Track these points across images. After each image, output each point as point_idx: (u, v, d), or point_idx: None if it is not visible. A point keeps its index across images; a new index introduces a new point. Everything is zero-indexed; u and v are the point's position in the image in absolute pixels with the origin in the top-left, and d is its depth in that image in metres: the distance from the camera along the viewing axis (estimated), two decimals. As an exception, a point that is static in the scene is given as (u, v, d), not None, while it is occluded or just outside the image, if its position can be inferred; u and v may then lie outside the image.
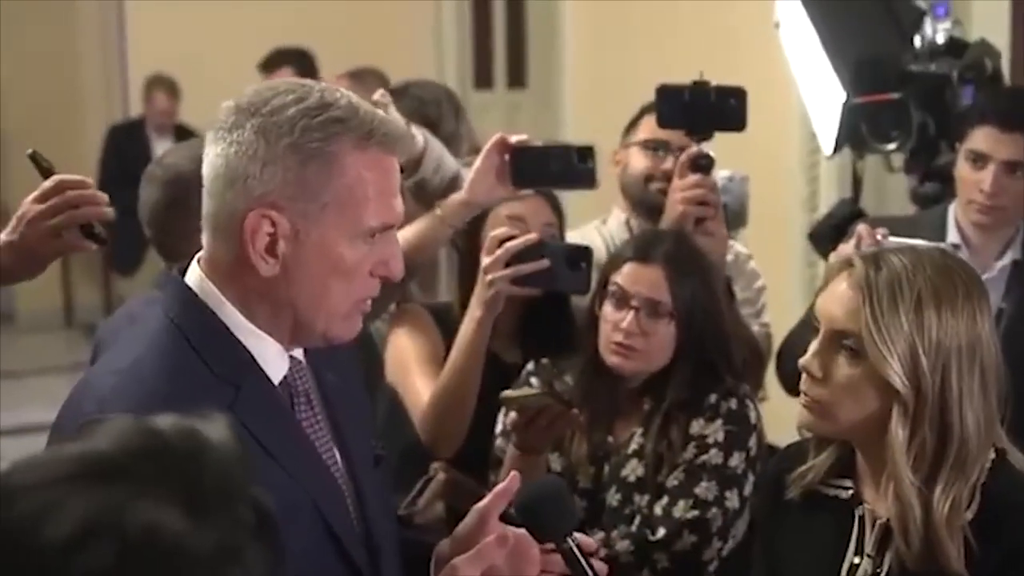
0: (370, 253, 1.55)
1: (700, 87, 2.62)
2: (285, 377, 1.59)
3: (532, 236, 2.41)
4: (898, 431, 1.68)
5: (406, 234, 2.59)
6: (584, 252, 2.42)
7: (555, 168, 2.44)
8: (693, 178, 2.63)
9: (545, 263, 2.38)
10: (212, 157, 1.53)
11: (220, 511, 0.85)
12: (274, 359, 1.57)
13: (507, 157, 2.45)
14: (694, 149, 2.65)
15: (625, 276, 2.38)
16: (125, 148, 7.25)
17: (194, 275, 1.57)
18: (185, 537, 0.83)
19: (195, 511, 0.84)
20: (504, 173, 2.45)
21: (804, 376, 1.77)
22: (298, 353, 1.61)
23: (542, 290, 2.50)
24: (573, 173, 2.44)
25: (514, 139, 2.46)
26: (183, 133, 7.07)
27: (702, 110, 2.61)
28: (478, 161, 2.47)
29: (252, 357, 1.55)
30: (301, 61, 6.24)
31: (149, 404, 1.41)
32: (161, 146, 7.18)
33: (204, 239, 1.57)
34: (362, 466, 1.67)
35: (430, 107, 3.29)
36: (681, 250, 2.42)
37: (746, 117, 2.61)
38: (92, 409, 1.45)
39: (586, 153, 2.44)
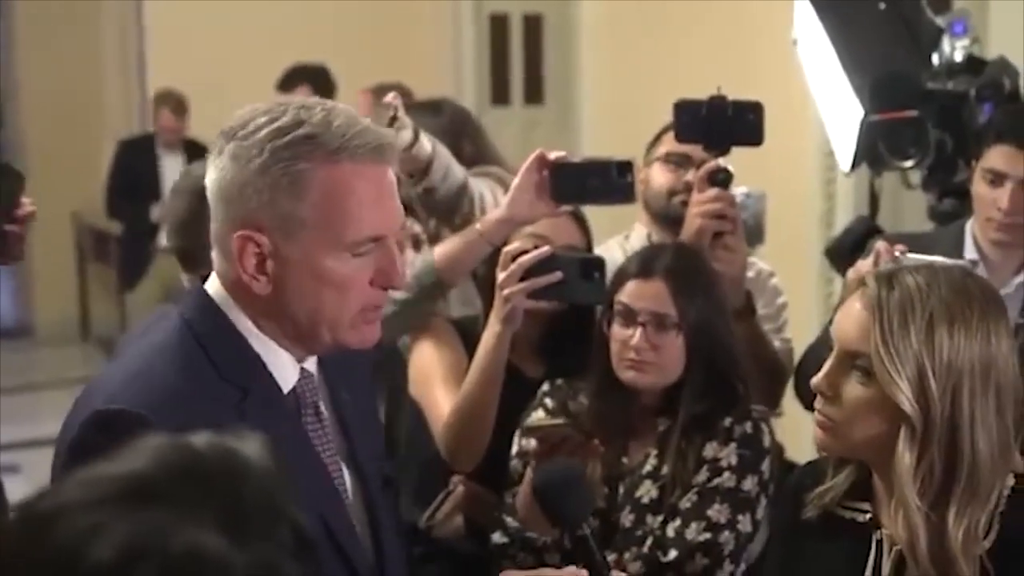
0: (364, 265, 1.56)
1: (717, 101, 2.63)
2: (294, 387, 1.61)
3: (544, 249, 2.41)
4: (904, 454, 1.66)
5: (444, 249, 2.61)
6: (596, 262, 2.42)
7: (594, 184, 2.45)
8: (711, 192, 2.63)
9: (558, 275, 2.38)
10: (209, 183, 1.58)
11: (260, 533, 0.86)
12: (285, 368, 1.60)
13: (546, 173, 2.46)
14: (712, 163, 2.65)
15: (629, 294, 2.39)
16: (133, 163, 7.27)
17: (214, 285, 1.61)
18: (226, 559, 0.83)
19: (235, 533, 0.84)
20: (544, 189, 2.46)
21: (818, 395, 1.76)
22: (310, 365, 1.63)
23: (558, 302, 2.50)
24: (612, 188, 2.44)
25: (553, 155, 2.47)
26: (192, 148, 7.06)
27: (719, 124, 2.62)
28: (517, 178, 2.47)
29: (263, 363, 1.57)
30: (318, 78, 6.26)
31: (157, 400, 1.47)
32: (169, 162, 7.14)
33: (213, 256, 1.61)
34: (374, 486, 1.69)
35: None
36: (681, 262, 2.43)
37: (763, 132, 2.62)
38: (100, 402, 1.49)
39: (625, 168, 2.45)
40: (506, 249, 2.44)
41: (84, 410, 1.52)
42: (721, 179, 2.65)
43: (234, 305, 1.58)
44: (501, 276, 2.40)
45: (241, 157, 1.52)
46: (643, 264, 2.42)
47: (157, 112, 7.28)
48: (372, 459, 1.70)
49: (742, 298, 2.68)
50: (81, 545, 0.81)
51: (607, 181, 2.43)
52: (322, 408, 1.64)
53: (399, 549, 1.72)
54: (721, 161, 2.66)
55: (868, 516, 1.78)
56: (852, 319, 1.72)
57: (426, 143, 2.71)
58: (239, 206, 1.53)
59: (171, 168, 7.10)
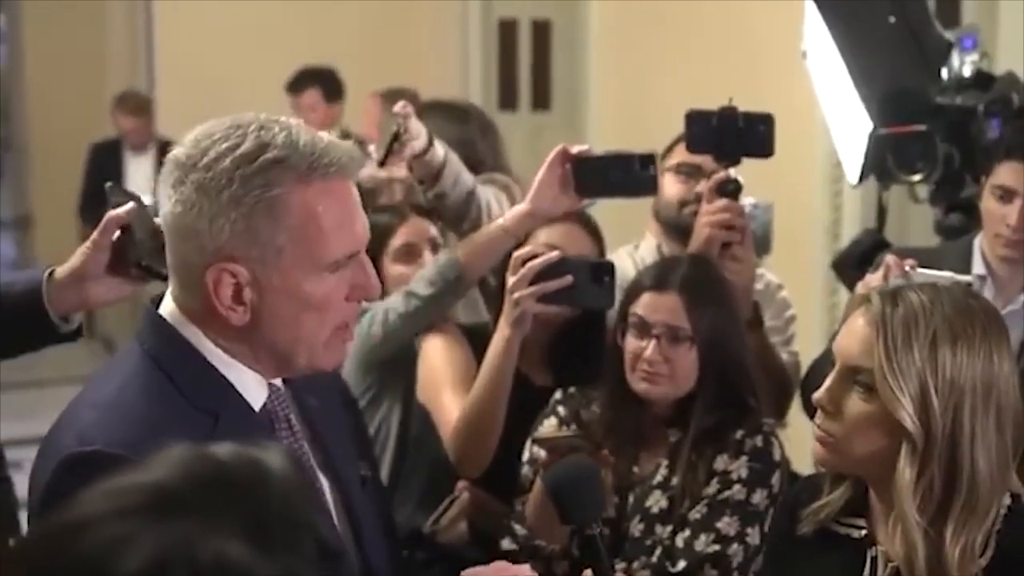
0: (340, 282, 1.54)
1: (728, 112, 2.64)
2: (265, 404, 1.59)
3: (554, 254, 2.42)
4: (905, 470, 1.66)
5: (468, 244, 2.62)
6: (607, 267, 2.44)
7: (617, 177, 2.47)
8: (720, 203, 2.64)
9: (568, 279, 2.40)
10: (164, 213, 1.52)
11: (284, 542, 0.86)
12: (253, 386, 1.57)
13: (568, 168, 2.47)
14: (721, 174, 2.67)
15: (644, 306, 2.39)
16: (102, 167, 7.07)
17: (169, 307, 1.57)
18: (252, 569, 0.83)
19: (261, 543, 0.84)
20: (567, 183, 2.48)
21: (818, 410, 1.76)
22: (277, 380, 1.61)
23: (568, 307, 2.51)
24: (635, 181, 2.47)
25: (575, 149, 2.49)
26: (169, 148, 6.91)
27: (730, 135, 2.63)
28: (540, 172, 2.50)
29: (231, 385, 1.55)
30: (326, 81, 6.27)
31: (128, 437, 1.43)
32: (136, 165, 6.93)
33: (171, 284, 1.57)
34: (353, 489, 1.68)
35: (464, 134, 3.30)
36: (697, 275, 2.44)
37: (774, 143, 2.63)
38: (72, 443, 1.46)
39: (647, 160, 2.48)
40: (516, 254, 2.45)
41: (54, 451, 1.48)
42: (730, 189, 2.66)
43: (193, 328, 1.54)
44: (511, 280, 2.41)
45: (209, 189, 1.46)
46: (658, 277, 2.43)
47: (114, 116, 7.08)
48: (347, 462, 1.69)
49: (750, 309, 2.69)
50: (108, 556, 0.81)
51: (629, 174, 2.46)
52: (293, 420, 1.63)
53: (382, 548, 1.71)
54: (731, 171, 2.67)
55: (863, 532, 1.79)
56: (855, 335, 1.72)
57: (439, 149, 2.72)
58: (210, 239, 1.47)
59: (137, 171, 6.90)
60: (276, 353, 1.55)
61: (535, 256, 2.41)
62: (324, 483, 1.64)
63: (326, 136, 1.54)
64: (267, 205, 1.47)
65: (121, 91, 7.14)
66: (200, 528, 0.83)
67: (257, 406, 1.57)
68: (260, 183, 1.47)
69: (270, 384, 1.59)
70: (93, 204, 6.98)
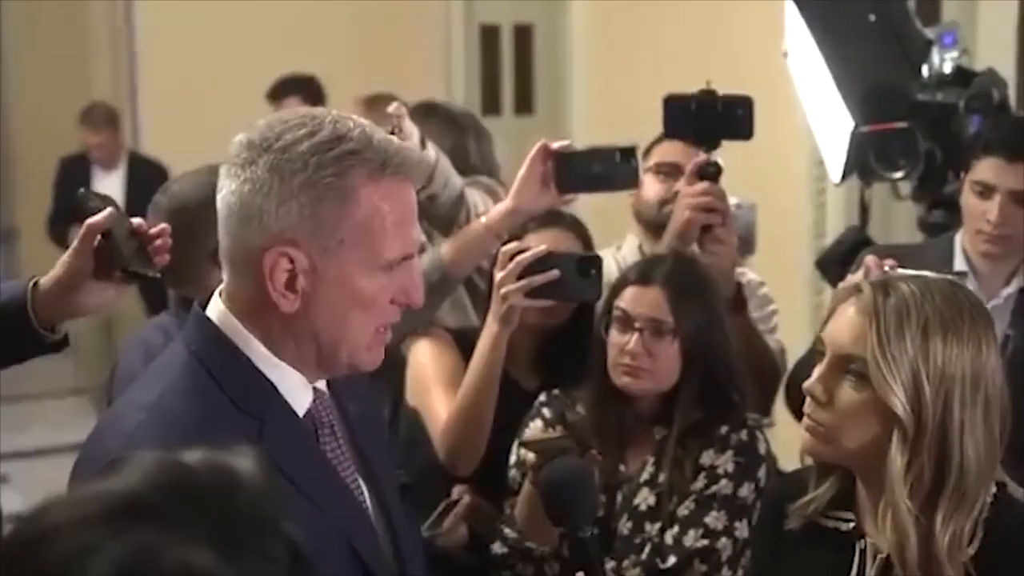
0: (390, 283, 1.54)
1: (707, 96, 2.64)
2: (309, 409, 1.58)
3: (541, 248, 2.43)
4: (896, 457, 1.68)
5: (451, 245, 2.62)
6: (594, 260, 2.45)
7: (598, 171, 2.48)
8: (700, 185, 2.64)
9: (555, 273, 2.40)
10: (226, 194, 1.51)
11: (252, 549, 0.85)
12: (298, 391, 1.57)
13: (550, 164, 2.48)
14: (701, 157, 2.66)
15: (627, 300, 2.41)
16: (70, 182, 6.66)
17: (216, 309, 1.56)
18: None
19: (228, 551, 0.83)
20: (549, 180, 2.48)
21: (808, 400, 1.76)
22: (321, 384, 1.61)
23: (556, 300, 2.51)
24: (616, 174, 2.48)
25: (556, 145, 2.49)
26: (139, 163, 6.67)
27: (709, 119, 2.63)
28: (522, 169, 2.50)
29: (276, 390, 1.54)
30: (308, 89, 6.25)
31: (175, 441, 1.43)
32: (104, 180, 6.61)
33: (224, 274, 1.56)
34: (391, 497, 1.68)
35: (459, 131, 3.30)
36: (680, 270, 2.45)
37: (753, 126, 2.63)
38: (118, 447, 1.44)
39: (628, 153, 2.48)
40: (504, 249, 2.46)
41: (100, 455, 1.46)
42: (711, 172, 2.65)
43: (241, 330, 1.54)
44: (499, 275, 2.41)
45: (283, 170, 1.46)
46: (642, 271, 2.44)
47: (80, 132, 6.77)
48: (386, 469, 1.70)
49: (732, 289, 2.69)
50: (72, 565, 0.81)
51: (611, 167, 2.47)
52: (336, 427, 1.63)
53: (419, 557, 1.72)
54: (711, 155, 2.66)
55: (851, 525, 1.79)
56: (847, 324, 1.73)
57: (431, 150, 2.72)
58: (275, 220, 1.47)
59: (106, 187, 6.50)
60: (319, 348, 1.54)
61: (523, 251, 2.42)
62: (364, 491, 1.63)
63: (395, 138, 1.56)
64: (338, 194, 1.48)
65: (86, 105, 6.89)
66: (165, 536, 0.82)
67: (301, 411, 1.57)
68: (334, 171, 1.47)
69: (315, 389, 1.59)
70: (61, 219, 6.44)
